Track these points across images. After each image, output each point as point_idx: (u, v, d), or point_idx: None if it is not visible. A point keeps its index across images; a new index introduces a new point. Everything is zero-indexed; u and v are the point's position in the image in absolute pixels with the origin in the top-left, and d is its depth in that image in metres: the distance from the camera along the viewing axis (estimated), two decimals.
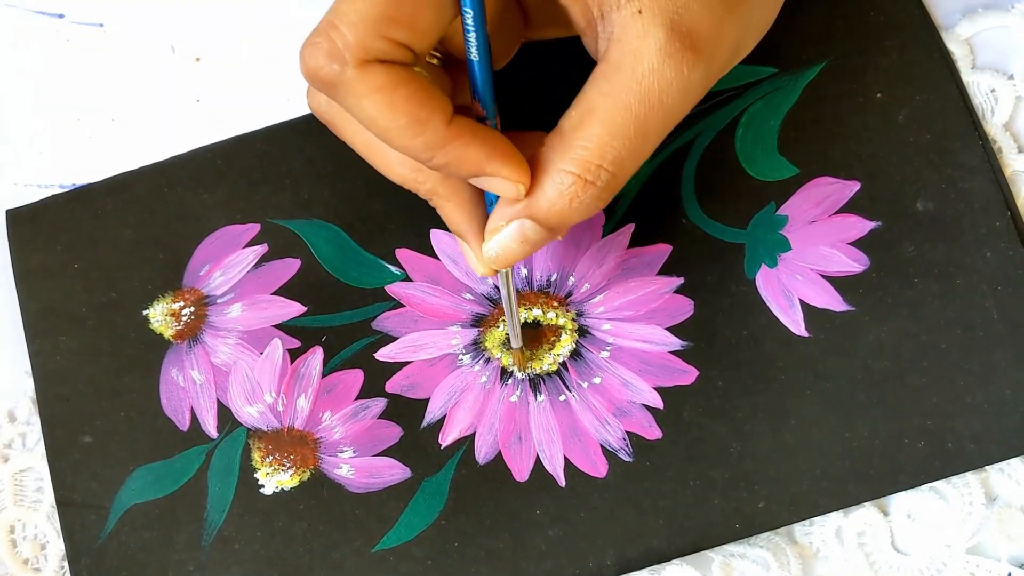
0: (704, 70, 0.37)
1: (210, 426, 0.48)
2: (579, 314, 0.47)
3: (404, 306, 0.48)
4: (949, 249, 0.47)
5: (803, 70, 0.49)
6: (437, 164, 0.37)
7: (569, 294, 0.48)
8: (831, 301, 0.47)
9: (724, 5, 0.38)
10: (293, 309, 0.49)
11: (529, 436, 0.46)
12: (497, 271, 0.42)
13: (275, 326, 0.48)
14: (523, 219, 0.39)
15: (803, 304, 0.47)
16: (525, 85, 0.48)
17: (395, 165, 0.41)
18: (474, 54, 0.37)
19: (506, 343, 0.47)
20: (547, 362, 0.47)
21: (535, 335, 0.47)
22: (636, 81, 0.37)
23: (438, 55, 0.41)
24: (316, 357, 0.48)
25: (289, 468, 0.47)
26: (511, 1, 0.42)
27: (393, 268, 0.49)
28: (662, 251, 0.48)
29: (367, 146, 0.42)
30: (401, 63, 0.36)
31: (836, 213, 0.48)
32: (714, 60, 0.38)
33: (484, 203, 0.41)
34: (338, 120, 0.42)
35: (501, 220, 0.39)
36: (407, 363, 0.48)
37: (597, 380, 0.47)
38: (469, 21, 0.37)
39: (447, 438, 0.47)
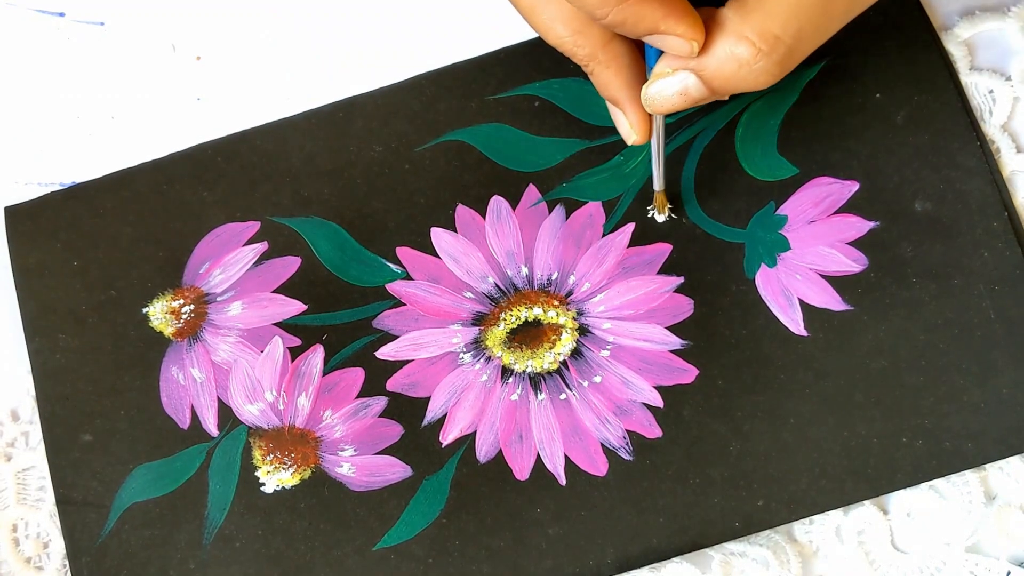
0: None
1: (211, 424, 0.48)
2: (580, 313, 0.48)
3: (405, 304, 0.48)
4: (947, 249, 0.47)
5: (802, 69, 0.49)
6: (612, 21, 0.37)
7: (570, 293, 0.48)
8: (830, 301, 0.47)
9: None
10: (293, 307, 0.49)
11: (530, 435, 0.47)
12: (650, 129, 0.44)
13: (275, 324, 0.48)
14: (689, 72, 0.39)
15: (802, 303, 0.47)
16: None
17: (557, 26, 0.41)
18: None
19: (647, 186, 0.48)
20: (548, 361, 0.47)
21: (536, 334, 0.48)
22: None
23: None
24: (317, 355, 0.48)
25: (290, 466, 0.47)
26: None
27: (394, 266, 0.49)
28: (662, 250, 0.48)
29: (532, 5, 0.41)
30: None
31: (835, 213, 0.48)
32: None
33: (642, 70, 0.42)
34: None
35: (668, 68, 0.40)
36: (408, 361, 0.48)
37: (597, 379, 0.47)
38: None
39: (448, 437, 0.47)
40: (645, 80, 0.41)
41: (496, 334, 0.48)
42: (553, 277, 0.48)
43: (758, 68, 0.38)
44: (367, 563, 0.46)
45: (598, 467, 0.46)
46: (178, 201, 0.50)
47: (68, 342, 0.49)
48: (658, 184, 0.47)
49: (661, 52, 0.40)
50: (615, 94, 0.43)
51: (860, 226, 0.48)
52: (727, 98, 0.42)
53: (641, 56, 0.42)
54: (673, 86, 0.40)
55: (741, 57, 0.38)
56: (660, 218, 0.48)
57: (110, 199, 0.50)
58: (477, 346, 0.48)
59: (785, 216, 0.48)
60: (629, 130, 0.43)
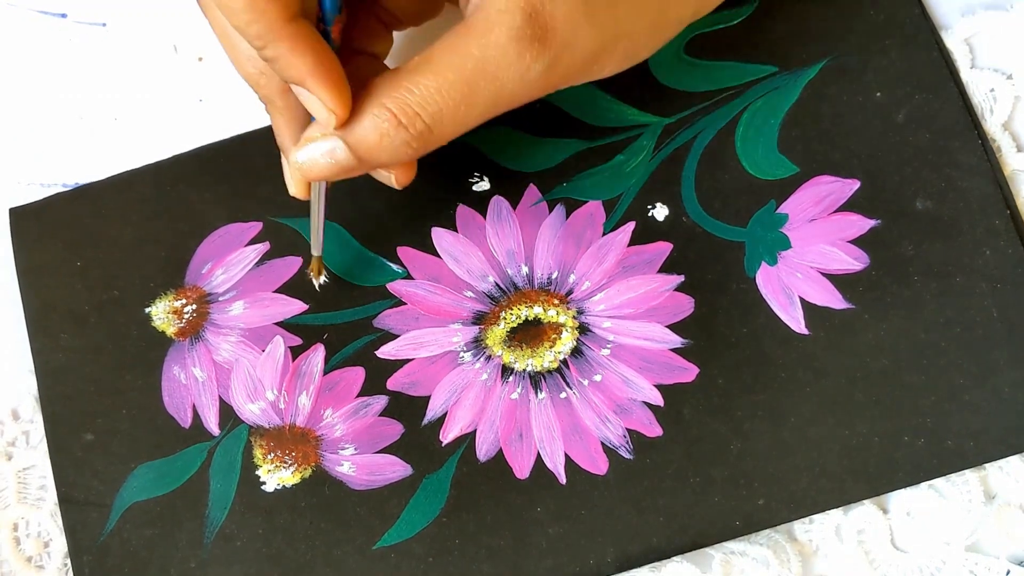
0: (545, 66, 0.38)
1: (212, 423, 0.48)
2: (580, 312, 0.48)
3: (405, 304, 0.48)
4: (948, 248, 0.47)
5: (803, 69, 0.49)
6: (266, 56, 0.38)
7: (570, 292, 0.48)
8: (831, 299, 0.47)
9: (587, 15, 0.39)
10: (295, 307, 0.49)
11: (530, 434, 0.47)
12: (308, 185, 0.44)
13: (277, 324, 0.49)
14: (336, 137, 0.39)
15: (803, 302, 0.47)
16: None
17: (244, 60, 0.42)
18: None
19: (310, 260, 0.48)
20: (548, 359, 0.47)
21: (536, 333, 0.48)
22: (479, 49, 0.38)
23: None
24: (318, 355, 0.48)
25: (291, 465, 0.47)
26: None
27: (394, 266, 0.49)
28: (662, 249, 0.48)
29: (223, 32, 0.41)
30: None
31: (836, 211, 0.48)
32: (560, 61, 0.39)
33: None
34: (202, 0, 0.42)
35: (317, 132, 0.40)
36: (408, 361, 0.48)
37: (598, 378, 0.47)
38: None
39: (448, 436, 0.47)
40: None
41: (496, 333, 0.48)
42: (553, 276, 0.48)
43: (398, 140, 0.39)
44: (367, 562, 0.46)
45: (598, 466, 0.46)
46: (180, 202, 0.50)
47: (70, 342, 0.49)
48: (316, 248, 0.47)
49: None
50: (282, 143, 0.43)
51: (861, 224, 0.47)
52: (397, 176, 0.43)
53: None
54: (321, 153, 0.40)
55: (381, 127, 0.39)
56: (317, 283, 0.48)
57: (113, 200, 0.50)
58: (477, 345, 0.48)
59: (786, 215, 0.48)
60: (290, 181, 0.45)
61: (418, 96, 0.38)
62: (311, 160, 0.40)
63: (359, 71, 0.42)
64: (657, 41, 0.43)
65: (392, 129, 0.38)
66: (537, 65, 0.38)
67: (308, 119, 0.41)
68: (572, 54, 0.39)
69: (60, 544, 0.48)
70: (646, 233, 0.48)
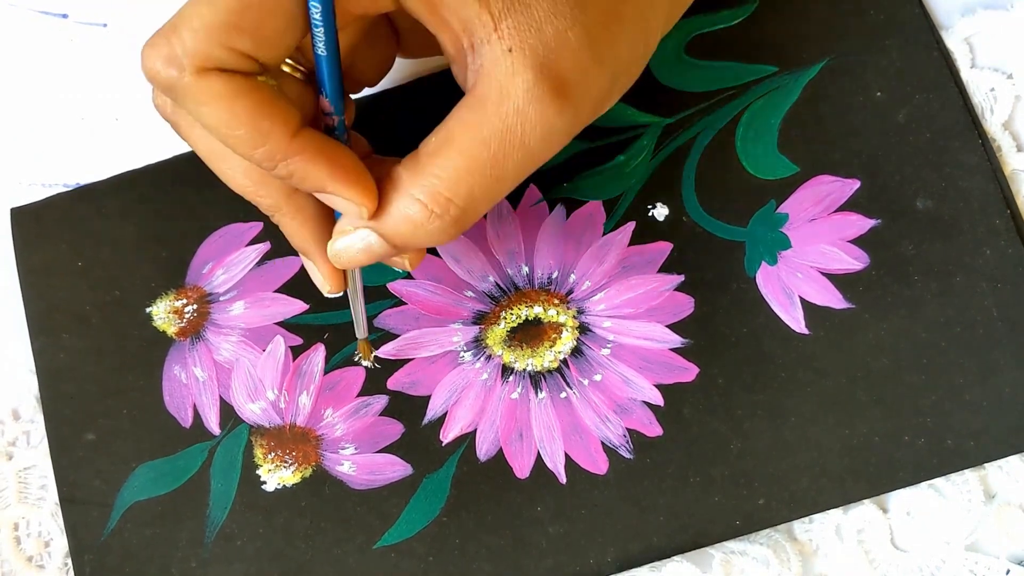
0: (571, 118, 0.37)
1: (212, 423, 0.48)
2: (580, 311, 0.48)
3: (406, 303, 0.48)
4: (948, 247, 0.47)
5: (803, 69, 0.49)
6: (280, 174, 0.37)
7: (570, 291, 0.48)
8: (831, 299, 0.47)
9: (592, 56, 0.37)
10: (295, 307, 0.49)
11: (530, 433, 0.47)
12: (344, 279, 0.43)
13: (277, 323, 0.49)
14: (368, 230, 0.39)
15: (803, 302, 0.47)
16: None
17: (238, 176, 0.40)
18: (321, 49, 0.36)
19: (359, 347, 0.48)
20: (548, 359, 0.47)
21: (536, 332, 0.48)
22: (500, 118, 0.36)
23: (302, 68, 0.39)
24: (318, 354, 0.48)
25: (291, 465, 0.47)
26: (382, 20, 0.42)
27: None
28: (663, 249, 0.48)
29: (210, 153, 0.40)
30: (244, 72, 0.35)
31: (836, 211, 0.48)
32: (582, 109, 0.37)
33: (331, 220, 0.41)
34: (182, 124, 0.40)
35: (348, 225, 0.39)
36: (408, 360, 0.48)
37: (598, 377, 0.47)
38: (316, 16, 0.35)
39: (448, 435, 0.47)
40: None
41: (496, 333, 0.48)
42: (553, 276, 0.48)
43: (434, 228, 0.37)
44: (368, 561, 0.46)
45: (598, 465, 0.46)
46: (181, 202, 0.50)
47: (72, 342, 0.49)
48: (361, 332, 0.46)
49: None
50: (303, 245, 0.42)
51: (861, 224, 0.47)
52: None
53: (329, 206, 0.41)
54: (356, 243, 0.39)
55: (414, 219, 0.37)
56: (366, 363, 0.48)
57: (114, 200, 0.50)
58: (477, 345, 0.48)
59: (786, 214, 0.48)
60: (322, 281, 0.43)
61: (447, 181, 0.37)
62: (348, 253, 0.39)
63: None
64: (641, 68, 0.42)
65: (426, 220, 0.37)
66: (561, 119, 0.36)
67: (324, 215, 0.41)
68: (590, 96, 0.38)
69: (61, 544, 0.48)
70: (646, 233, 0.48)
